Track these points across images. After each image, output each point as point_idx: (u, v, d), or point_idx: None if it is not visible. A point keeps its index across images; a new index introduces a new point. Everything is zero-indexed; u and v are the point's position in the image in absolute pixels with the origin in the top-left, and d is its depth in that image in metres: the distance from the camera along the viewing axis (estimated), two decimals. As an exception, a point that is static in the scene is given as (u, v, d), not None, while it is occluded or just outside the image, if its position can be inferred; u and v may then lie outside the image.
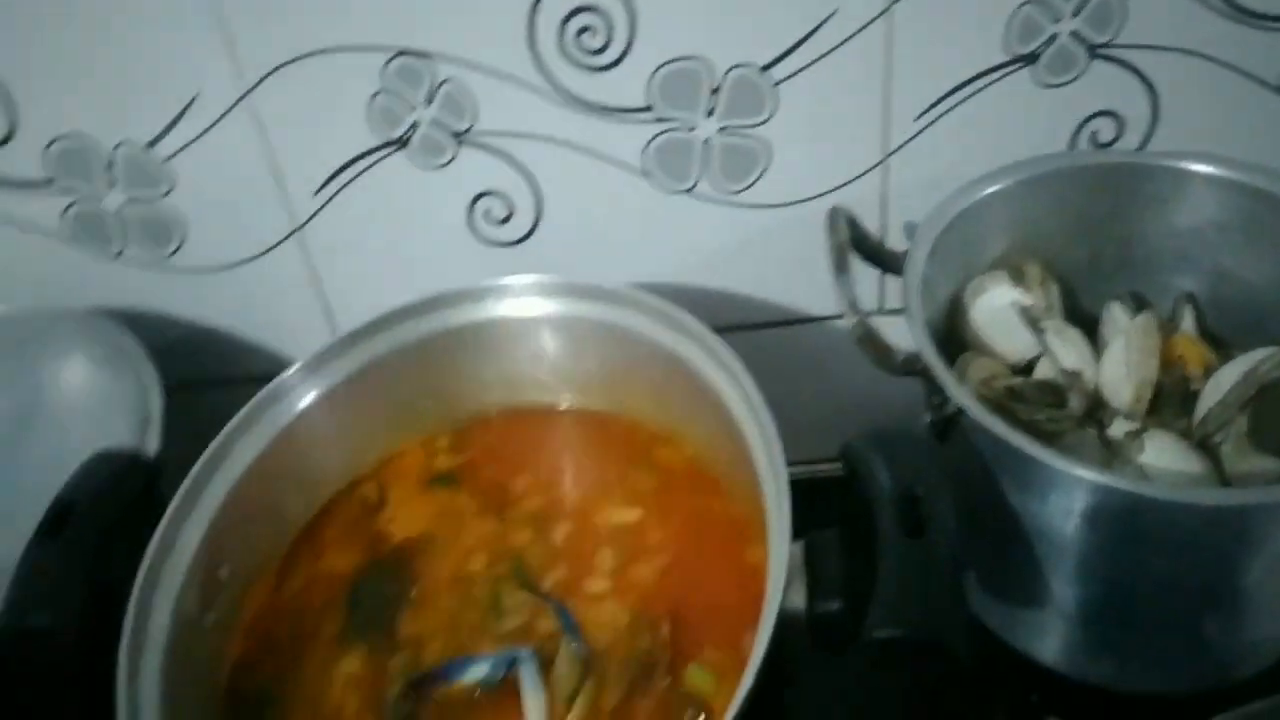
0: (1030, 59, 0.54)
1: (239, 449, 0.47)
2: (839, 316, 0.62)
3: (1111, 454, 0.49)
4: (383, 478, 0.53)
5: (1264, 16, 0.53)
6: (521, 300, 0.53)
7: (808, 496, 0.42)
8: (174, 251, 0.59)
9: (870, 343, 0.47)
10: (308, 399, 0.50)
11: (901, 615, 0.37)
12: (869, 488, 0.41)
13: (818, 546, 0.42)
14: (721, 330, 0.62)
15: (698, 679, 0.43)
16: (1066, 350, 0.52)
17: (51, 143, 0.55)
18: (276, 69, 0.53)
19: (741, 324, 0.62)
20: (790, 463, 0.42)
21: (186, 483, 0.45)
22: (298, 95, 0.53)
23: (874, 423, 0.55)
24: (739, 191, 0.58)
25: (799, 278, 0.61)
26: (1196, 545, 0.43)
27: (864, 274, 0.54)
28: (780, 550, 0.40)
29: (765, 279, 0.61)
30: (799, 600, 0.40)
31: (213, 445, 0.46)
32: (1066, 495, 0.44)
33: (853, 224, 0.52)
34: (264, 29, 0.52)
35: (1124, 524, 0.43)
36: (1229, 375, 0.49)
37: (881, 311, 0.62)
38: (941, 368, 0.46)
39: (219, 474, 0.46)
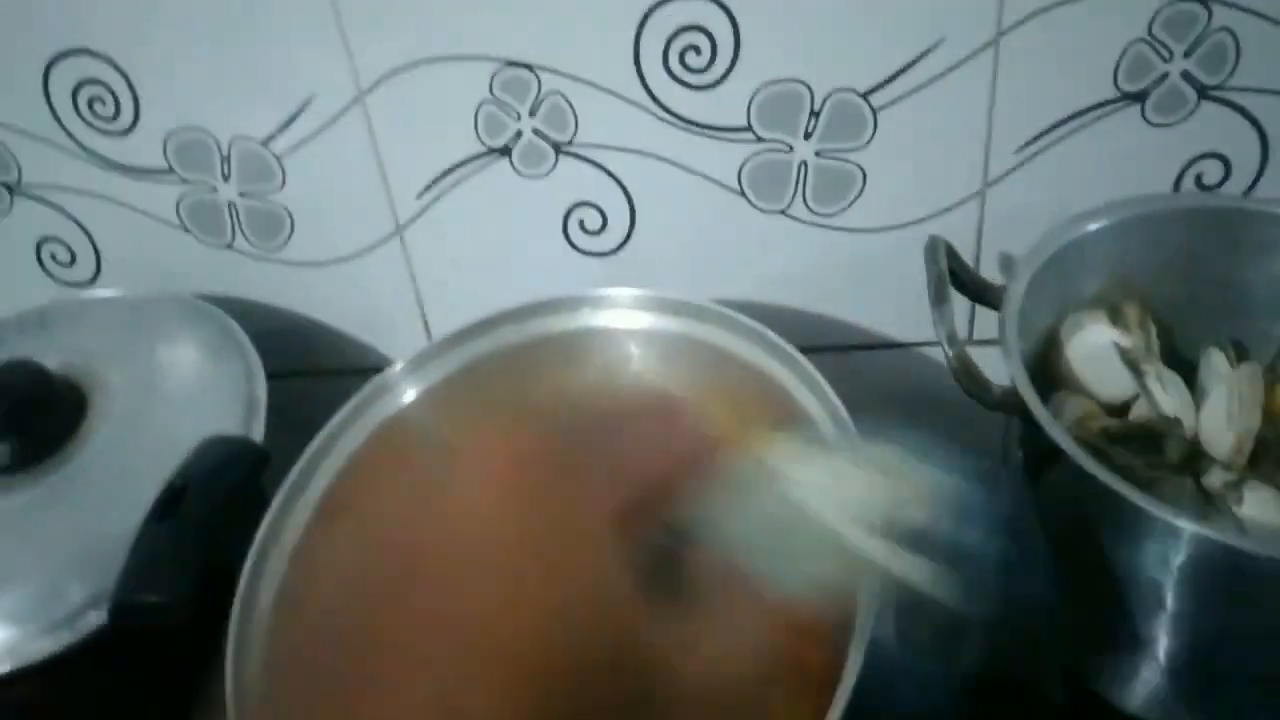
0: (1139, 97, 0.53)
1: (343, 442, 0.48)
2: (928, 343, 0.62)
3: (1208, 504, 0.48)
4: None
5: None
6: (615, 312, 0.53)
7: None
8: (282, 244, 0.61)
9: (967, 375, 0.47)
10: (408, 396, 0.51)
11: (998, 661, 0.36)
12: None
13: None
14: (809, 351, 0.62)
15: None
16: (1167, 397, 0.51)
17: (171, 134, 0.57)
18: (390, 74, 0.54)
19: (830, 345, 0.62)
20: None
21: (293, 474, 0.46)
22: (408, 101, 0.55)
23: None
24: (833, 214, 0.58)
25: (890, 303, 0.60)
26: (1296, 601, 0.42)
27: (956, 303, 0.53)
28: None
29: (855, 303, 0.61)
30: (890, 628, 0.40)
31: (319, 436, 0.48)
32: (1162, 544, 0.43)
33: (951, 254, 0.51)
34: (380, 35, 0.53)
35: (1220, 576, 0.42)
36: (1333, 431, 0.48)
37: (972, 342, 0.61)
38: (1038, 404, 0.45)
39: (324, 465, 0.47)
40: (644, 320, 0.53)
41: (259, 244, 0.61)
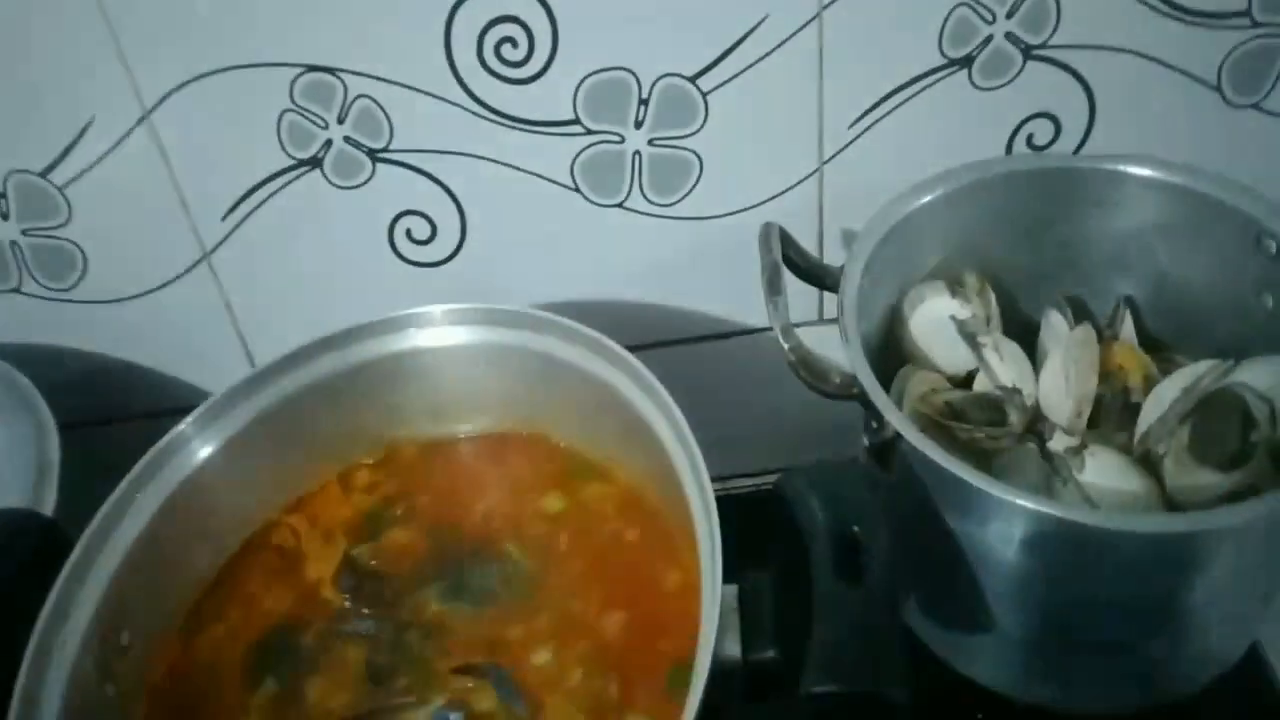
0: (965, 62, 0.53)
1: (138, 503, 0.44)
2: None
3: (1052, 470, 0.48)
4: (297, 521, 0.50)
5: (1201, 14, 0.52)
6: (440, 329, 0.50)
7: (750, 511, 0.41)
8: (75, 283, 0.56)
9: (805, 368, 0.46)
10: (210, 446, 0.47)
11: (837, 669, 0.36)
12: (804, 527, 0.40)
13: (753, 590, 0.40)
14: (659, 346, 0.60)
15: None
16: (1005, 367, 0.51)
17: (-66, 173, 0.52)
18: (176, 89, 0.50)
19: (680, 338, 0.60)
20: (730, 476, 0.41)
21: (79, 546, 0.42)
22: (201, 116, 0.51)
23: (816, 436, 0.54)
24: (672, 204, 0.56)
25: (736, 290, 0.59)
26: (1137, 569, 0.42)
27: (802, 284, 0.52)
28: (713, 594, 0.38)
29: (702, 292, 0.59)
30: (736, 646, 0.39)
31: (108, 503, 0.43)
32: (1006, 522, 0.43)
33: (786, 241, 0.50)
34: (160, 48, 0.49)
35: (1064, 550, 0.43)
36: (1170, 389, 0.48)
37: (821, 321, 0.61)
38: (879, 392, 0.45)
39: (116, 532, 0.43)
40: (471, 335, 0.50)
41: (49, 284, 0.56)
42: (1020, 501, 0.41)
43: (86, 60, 0.49)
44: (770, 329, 0.60)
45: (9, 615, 0.40)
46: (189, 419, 0.47)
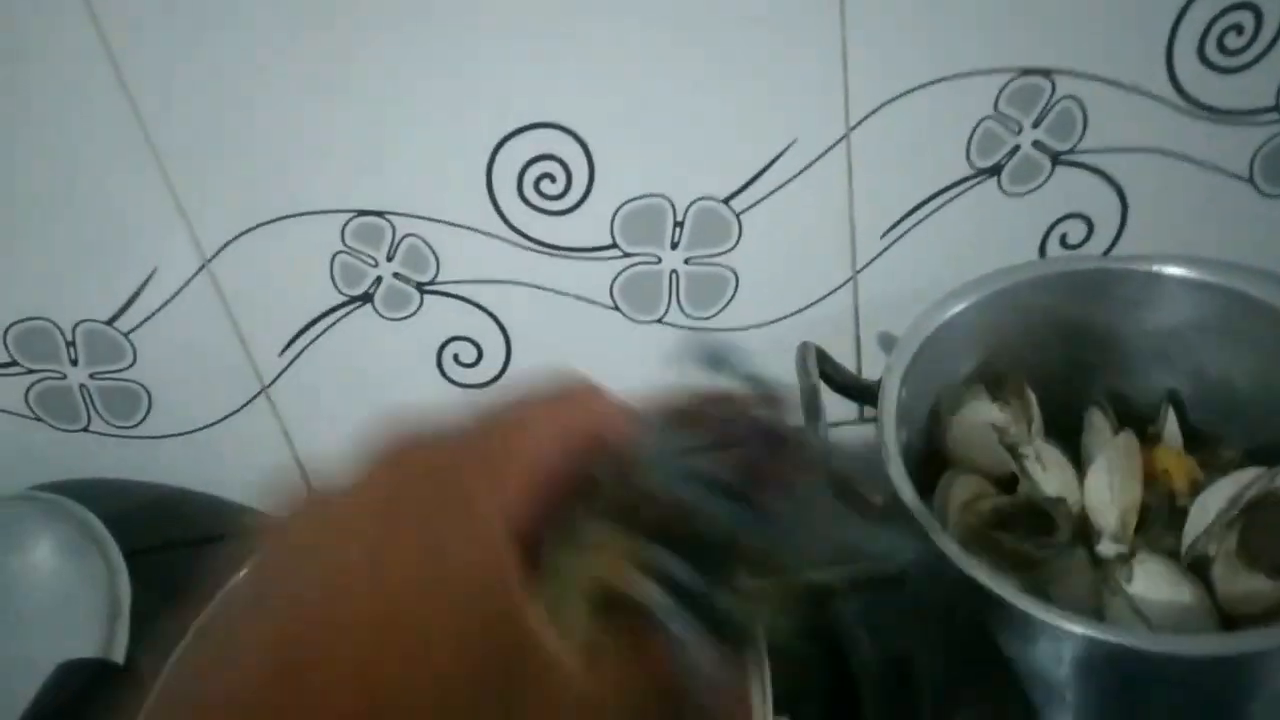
0: (994, 171, 0.54)
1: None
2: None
3: (1101, 578, 0.49)
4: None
5: (1224, 111, 0.53)
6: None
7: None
8: (140, 420, 0.59)
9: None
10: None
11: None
12: (852, 662, 0.41)
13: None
14: (702, 455, 0.62)
15: None
16: (1048, 477, 0.52)
17: (11, 325, 0.56)
18: (235, 238, 0.53)
19: (722, 444, 0.62)
20: None
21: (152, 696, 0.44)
22: (258, 261, 0.54)
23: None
24: (710, 317, 0.58)
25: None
26: (1192, 688, 0.43)
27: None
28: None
29: (743, 400, 0.61)
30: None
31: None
32: (1054, 643, 0.43)
33: (824, 359, 0.52)
34: (219, 201, 0.52)
35: (1115, 670, 0.43)
36: (1215, 498, 0.49)
37: (862, 420, 0.62)
38: (923, 512, 0.46)
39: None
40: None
41: (116, 423, 0.59)
42: (1065, 625, 0.42)
43: (148, 214, 0.52)
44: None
45: None
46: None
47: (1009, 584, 0.43)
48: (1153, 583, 0.48)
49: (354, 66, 0.49)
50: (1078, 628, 0.42)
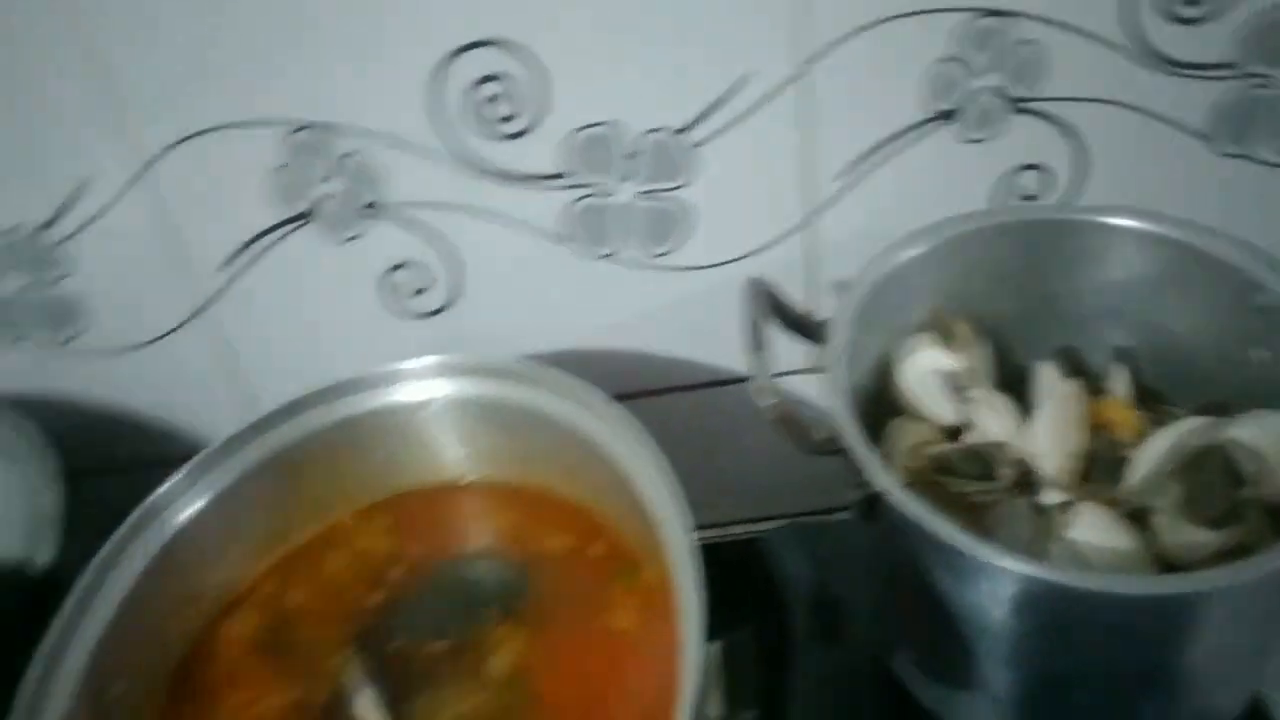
0: (951, 115, 0.52)
1: (130, 555, 0.44)
2: (775, 375, 0.60)
3: (1043, 525, 0.47)
4: (287, 577, 0.49)
5: (1184, 65, 0.51)
6: (425, 382, 0.50)
7: (733, 561, 0.40)
8: (75, 336, 0.56)
9: (787, 426, 0.45)
10: (204, 499, 0.47)
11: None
12: (786, 588, 0.39)
13: (734, 649, 0.39)
14: (649, 394, 0.60)
15: None
16: (993, 420, 0.49)
17: (-60, 229, 0.52)
18: (172, 146, 0.50)
19: (670, 386, 0.60)
20: (715, 524, 0.40)
21: (72, 597, 0.41)
22: (196, 172, 0.51)
23: (805, 484, 0.53)
24: (660, 255, 0.55)
25: (725, 340, 0.57)
26: (1128, 630, 0.41)
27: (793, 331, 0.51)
28: (694, 656, 0.37)
29: (692, 342, 0.59)
30: (718, 707, 0.38)
31: (100, 554, 0.43)
32: (993, 583, 0.41)
33: (773, 296, 0.49)
34: (156, 107, 0.49)
35: (1053, 611, 0.41)
36: (1158, 445, 0.47)
37: (812, 370, 0.60)
38: (864, 449, 0.44)
39: (109, 583, 0.43)
40: (456, 387, 0.49)
41: (50, 336, 0.56)
42: (1006, 564, 0.40)
43: (83, 120, 0.49)
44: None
45: (6, 669, 0.39)
46: (178, 474, 0.47)
47: (948, 523, 0.41)
48: (1093, 529, 0.46)
49: (300, -29, 0.46)
50: (1015, 565, 0.40)
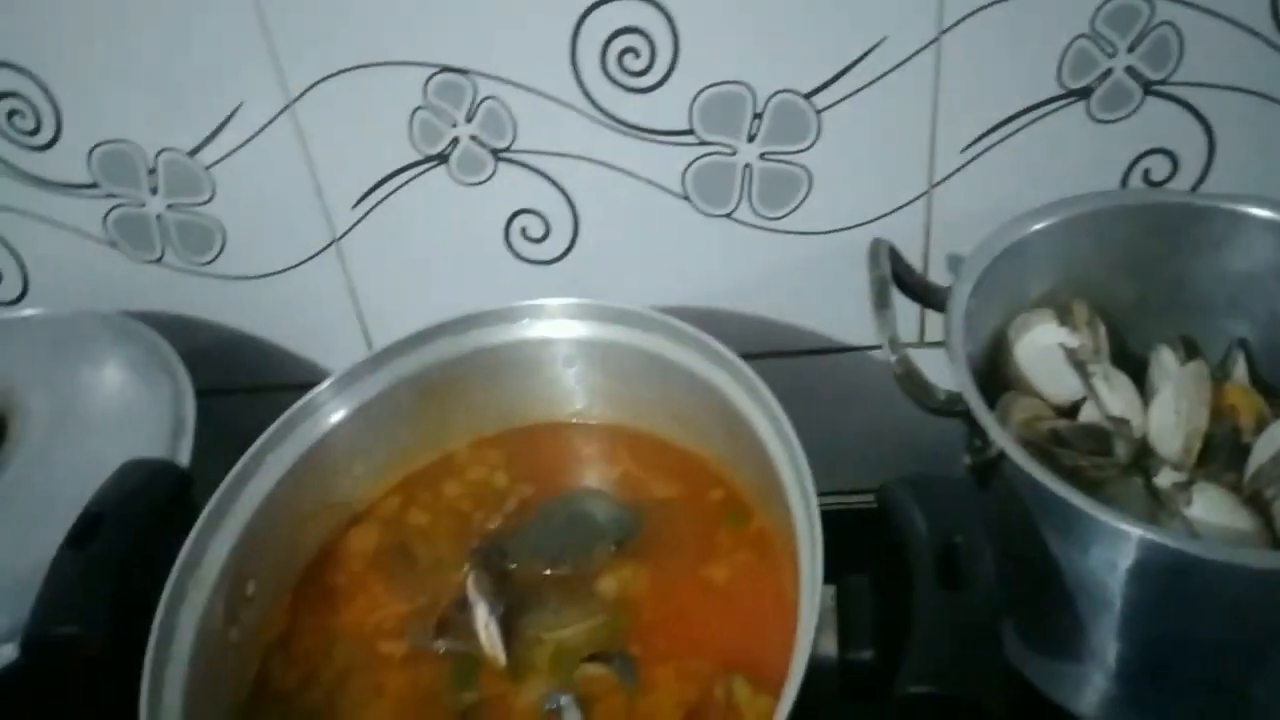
0: (1083, 94, 0.52)
1: (269, 463, 0.46)
2: (878, 347, 0.60)
3: (1158, 505, 0.46)
4: (411, 497, 0.51)
5: (1329, 56, 0.50)
6: (554, 322, 0.51)
7: (843, 529, 0.40)
8: (213, 258, 0.58)
9: (910, 381, 0.45)
10: (339, 414, 0.49)
11: (935, 671, 0.35)
12: (905, 534, 0.39)
13: (851, 591, 0.39)
14: (757, 357, 0.59)
15: (740, 693, 0.42)
16: (1114, 396, 0.49)
17: (95, 147, 0.55)
18: (320, 82, 0.52)
19: (778, 351, 0.60)
20: (825, 493, 0.40)
21: (215, 497, 0.43)
22: (340, 108, 0.52)
23: (914, 457, 0.53)
24: (779, 218, 0.56)
25: (838, 307, 0.58)
26: (1243, 606, 0.40)
27: (904, 305, 0.51)
28: (812, 593, 0.38)
29: (803, 307, 0.59)
30: (832, 645, 0.38)
31: (243, 460, 0.45)
32: (1110, 548, 0.41)
33: (895, 257, 0.49)
34: (308, 43, 0.51)
35: (1169, 581, 0.41)
36: (1278, 435, 0.46)
37: (921, 344, 0.59)
38: (983, 409, 0.44)
39: (248, 488, 0.45)
40: (584, 329, 0.50)
41: (189, 258, 0.58)
42: (1125, 527, 0.39)
43: (239, 51, 0.51)
44: (869, 347, 0.60)
45: (148, 558, 0.41)
46: (321, 386, 0.48)
47: (1070, 486, 0.41)
48: (1212, 508, 0.45)
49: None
50: (1138, 530, 0.39)
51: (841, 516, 0.41)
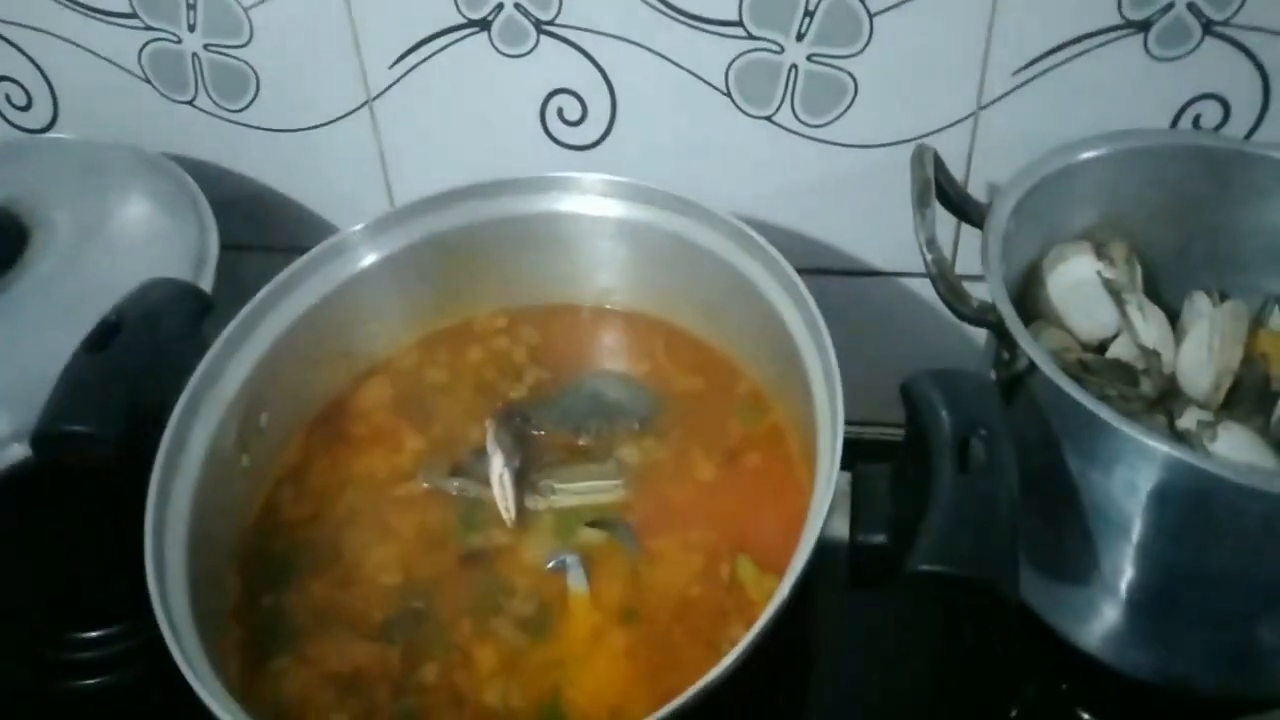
0: (1143, 26, 0.50)
1: (293, 297, 0.45)
2: (908, 274, 0.58)
3: (1183, 442, 0.45)
4: (427, 354, 0.50)
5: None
6: (586, 198, 0.49)
7: (861, 457, 0.39)
8: (245, 106, 0.56)
9: (944, 282, 0.43)
10: (366, 260, 0.48)
11: (948, 553, 0.33)
12: (928, 425, 0.37)
13: (868, 477, 0.38)
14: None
15: (745, 571, 0.41)
16: (1147, 327, 0.47)
17: (136, -24, 0.53)
18: (367, -69, 0.50)
19: (805, 268, 0.58)
20: (855, 423, 0.39)
21: (236, 321, 0.43)
22: (386, -41, 0.51)
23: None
24: (820, 125, 0.54)
25: (871, 227, 0.57)
26: (1264, 536, 0.39)
27: (939, 228, 0.50)
28: (830, 471, 0.36)
29: (835, 224, 0.57)
30: (844, 528, 0.37)
31: (267, 288, 0.44)
32: (1133, 467, 0.40)
33: (939, 164, 0.48)
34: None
35: (1190, 505, 0.39)
36: (1312, 380, 0.45)
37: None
38: (1014, 317, 0.42)
39: (269, 319, 0.44)
40: (617, 208, 0.49)
41: (222, 103, 0.57)
42: (1154, 444, 0.38)
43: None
44: (897, 274, 0.59)
45: (164, 372, 0.40)
46: (355, 228, 0.47)
47: (1095, 399, 0.40)
48: (1236, 446, 0.44)
49: None
50: (1164, 447, 0.38)
51: (862, 444, 0.39)
